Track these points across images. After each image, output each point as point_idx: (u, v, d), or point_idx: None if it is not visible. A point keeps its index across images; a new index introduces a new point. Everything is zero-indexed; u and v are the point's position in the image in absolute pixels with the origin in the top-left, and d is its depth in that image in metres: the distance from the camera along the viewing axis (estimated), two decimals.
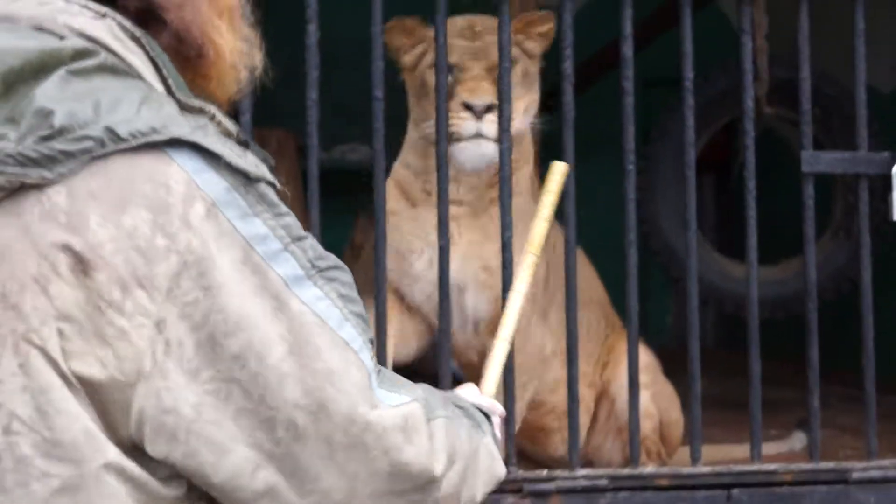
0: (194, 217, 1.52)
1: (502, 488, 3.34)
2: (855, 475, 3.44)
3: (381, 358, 3.20)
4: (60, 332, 1.49)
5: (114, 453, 1.52)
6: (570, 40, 3.45)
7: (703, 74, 5.93)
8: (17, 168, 1.49)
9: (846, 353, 5.77)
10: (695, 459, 3.46)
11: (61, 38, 1.61)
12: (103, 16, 1.66)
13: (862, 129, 3.57)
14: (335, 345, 1.60)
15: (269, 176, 1.63)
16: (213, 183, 1.55)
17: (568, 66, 3.46)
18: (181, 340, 1.51)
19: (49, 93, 1.52)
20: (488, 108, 3.47)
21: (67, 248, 1.49)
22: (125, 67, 1.62)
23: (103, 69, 1.58)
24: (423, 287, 3.69)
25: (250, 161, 1.61)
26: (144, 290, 1.49)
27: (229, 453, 1.55)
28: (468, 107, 3.48)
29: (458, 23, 3.66)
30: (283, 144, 6.87)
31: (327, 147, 7.52)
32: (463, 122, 3.48)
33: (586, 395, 4.06)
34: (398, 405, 1.66)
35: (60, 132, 1.50)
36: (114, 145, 1.51)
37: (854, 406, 5.38)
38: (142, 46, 1.68)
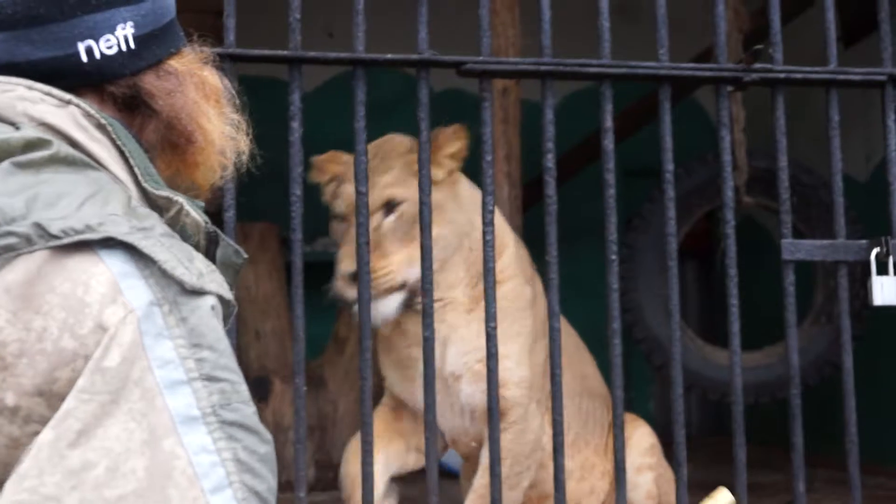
0: (109, 319, 1.40)
1: None
2: None
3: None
4: None
5: None
6: (551, 134, 3.52)
7: (683, 166, 6.04)
8: None
9: (830, 437, 5.82)
10: None
11: (17, 127, 1.56)
12: (67, 103, 1.61)
13: (840, 218, 3.64)
14: None
15: (215, 289, 1.50)
16: (137, 292, 1.43)
17: (549, 160, 3.52)
18: (34, 441, 1.37)
19: None
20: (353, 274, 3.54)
21: None
22: (82, 158, 1.55)
23: (54, 160, 1.51)
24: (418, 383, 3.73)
25: (195, 269, 1.49)
26: (43, 397, 1.38)
27: None
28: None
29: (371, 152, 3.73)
30: (267, 237, 6.93)
31: (310, 240, 7.58)
32: (346, 289, 3.60)
33: (598, 486, 4.10)
34: None
35: None
36: (44, 242, 1.42)
37: (838, 488, 5.43)
38: (107, 134, 1.62)
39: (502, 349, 3.68)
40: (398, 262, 3.68)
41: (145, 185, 1.60)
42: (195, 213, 1.60)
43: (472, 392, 3.74)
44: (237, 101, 1.82)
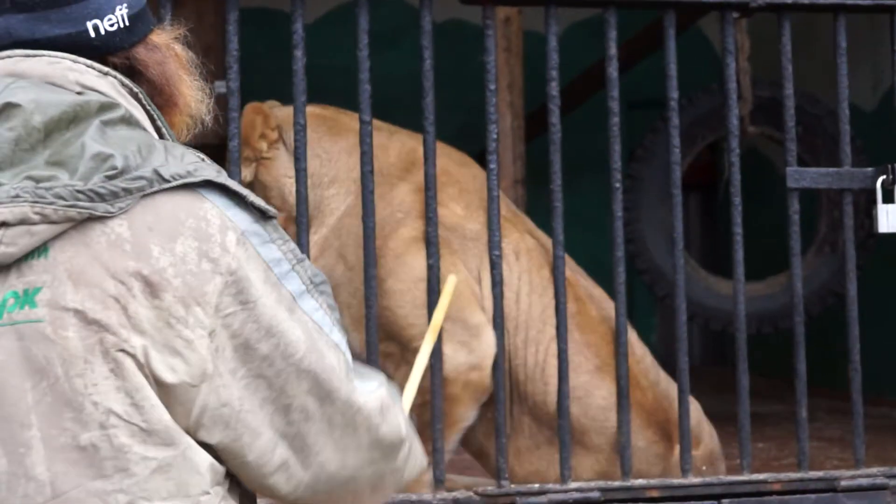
0: (229, 244, 1.77)
1: (495, 502, 3.39)
2: (843, 483, 3.49)
3: None
4: (143, 344, 1.72)
5: (188, 437, 1.77)
6: (555, 62, 3.52)
7: (687, 96, 6.02)
8: (87, 202, 1.72)
9: (830, 368, 5.84)
10: (685, 471, 3.50)
11: (78, 93, 1.85)
12: (106, 74, 1.90)
13: (846, 146, 3.63)
14: (330, 346, 1.87)
15: (276, 212, 1.89)
16: (241, 217, 1.80)
17: (553, 88, 3.52)
18: (224, 346, 1.77)
19: (97, 140, 1.76)
20: None
21: (138, 274, 1.73)
22: (137, 120, 1.87)
23: (124, 121, 1.83)
24: None
25: (261, 200, 1.86)
26: (200, 306, 1.75)
27: (260, 436, 1.81)
28: None
29: None
30: None
31: None
32: None
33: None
34: (372, 391, 1.94)
35: (122, 172, 1.74)
36: (158, 185, 1.75)
37: (838, 419, 5.47)
38: (139, 101, 1.93)
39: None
40: None
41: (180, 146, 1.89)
42: (215, 166, 1.91)
43: None
44: (202, 71, 2.11)
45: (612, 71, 3.54)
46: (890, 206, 3.56)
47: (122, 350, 1.71)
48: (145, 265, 1.73)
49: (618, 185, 3.52)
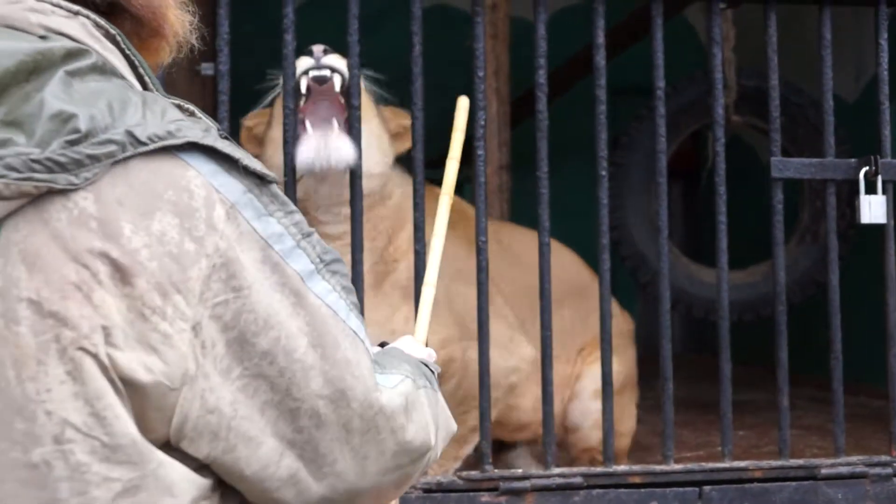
0: (217, 220, 1.53)
1: (478, 486, 3.42)
2: (823, 471, 3.52)
3: None
4: (107, 339, 1.48)
5: (160, 451, 1.53)
6: (543, 50, 3.53)
7: (672, 84, 6.04)
8: (45, 174, 1.47)
9: (810, 357, 5.89)
10: (667, 458, 3.53)
11: (41, 37, 1.58)
12: (76, 14, 1.64)
13: (829, 137, 3.66)
14: (346, 335, 1.65)
15: (275, 176, 1.65)
16: (230, 186, 1.56)
17: (541, 76, 3.53)
18: (214, 341, 1.54)
19: (59, 95, 1.50)
20: None
21: (105, 257, 1.48)
22: (111, 67, 1.61)
23: (95, 69, 1.57)
24: None
25: (256, 162, 1.62)
26: (181, 294, 1.50)
27: (261, 445, 1.59)
28: None
29: None
30: None
31: None
32: None
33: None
34: (396, 386, 1.73)
35: (86, 136, 1.49)
36: (133, 149, 1.50)
37: (818, 407, 5.51)
38: (116, 44, 1.67)
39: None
40: None
41: (164, 96, 1.65)
42: (206, 119, 1.67)
43: None
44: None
45: (600, 59, 3.56)
46: (872, 196, 3.59)
47: (82, 348, 1.46)
48: (114, 246, 1.47)
49: (604, 172, 3.54)
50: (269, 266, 1.57)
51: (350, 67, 3.42)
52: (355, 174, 3.41)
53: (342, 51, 3.46)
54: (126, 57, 1.68)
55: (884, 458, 3.61)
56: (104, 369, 1.47)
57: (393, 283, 3.82)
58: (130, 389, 1.49)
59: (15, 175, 1.45)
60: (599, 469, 3.52)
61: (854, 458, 3.59)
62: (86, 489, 1.47)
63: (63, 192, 1.48)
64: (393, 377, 1.75)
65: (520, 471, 3.51)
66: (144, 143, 1.50)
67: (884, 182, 3.60)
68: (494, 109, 5.69)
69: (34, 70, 1.51)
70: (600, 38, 3.56)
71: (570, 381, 4.28)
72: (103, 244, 1.47)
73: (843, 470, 3.54)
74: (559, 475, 3.45)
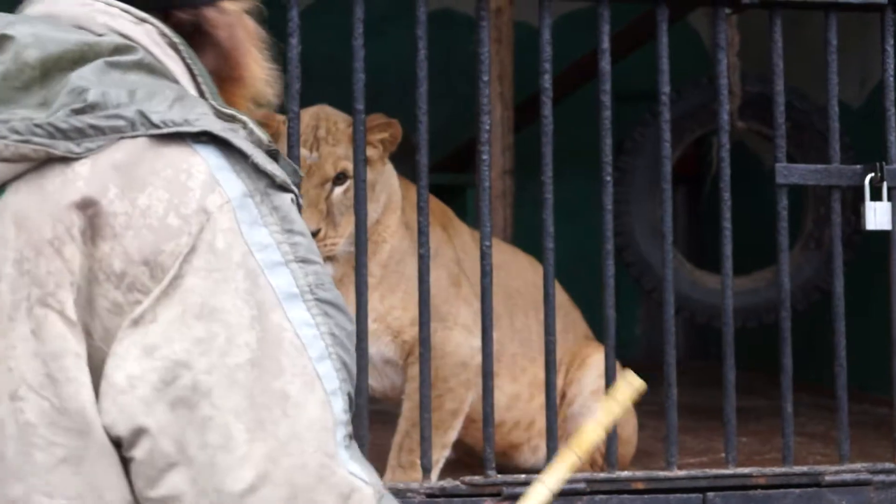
0: (210, 205, 1.51)
1: (481, 492, 3.41)
2: (827, 478, 3.51)
3: None
4: (77, 295, 1.48)
5: None
6: (548, 55, 3.53)
7: (676, 90, 6.02)
8: (45, 139, 1.50)
9: (813, 363, 5.87)
10: (670, 464, 3.52)
11: (100, 35, 1.64)
12: (143, 21, 1.69)
13: (834, 143, 3.65)
14: (304, 374, 1.51)
15: (293, 188, 1.61)
16: (232, 184, 1.53)
17: (546, 80, 3.52)
18: (154, 309, 1.47)
19: (85, 76, 1.54)
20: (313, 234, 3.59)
21: (82, 213, 1.49)
22: (162, 69, 1.65)
23: (140, 66, 1.60)
24: None
25: (277, 168, 1.59)
26: (147, 266, 1.48)
27: (156, 441, 1.47)
28: None
29: (305, 121, 3.67)
30: None
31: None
32: None
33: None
34: (354, 475, 1.54)
35: (93, 107, 1.52)
36: (144, 129, 1.51)
37: (821, 414, 5.48)
38: (178, 53, 1.71)
39: (388, 303, 3.81)
40: (345, 234, 3.70)
41: (212, 102, 1.67)
42: (258, 131, 1.66)
43: (377, 348, 3.81)
44: (272, 52, 1.92)
45: (605, 65, 3.55)
46: (878, 203, 3.59)
47: (46, 305, 1.47)
48: (94, 204, 1.49)
49: (608, 178, 3.53)
50: (244, 271, 1.50)
51: (355, 71, 3.41)
52: (359, 178, 3.41)
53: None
54: (186, 65, 1.72)
55: (888, 465, 3.61)
56: (71, 325, 1.47)
57: (377, 263, 3.84)
58: (83, 349, 1.48)
59: (15, 137, 1.50)
60: (603, 475, 3.51)
61: (858, 466, 3.58)
62: (30, 451, 1.47)
63: (64, 161, 1.50)
64: (360, 469, 1.55)
65: (523, 476, 3.50)
66: (157, 126, 1.52)
67: (889, 188, 3.59)
68: (498, 114, 5.67)
69: (79, 59, 1.57)
70: (605, 43, 3.56)
71: (562, 388, 4.24)
72: (83, 200, 1.49)
73: (847, 477, 3.53)
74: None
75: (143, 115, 1.52)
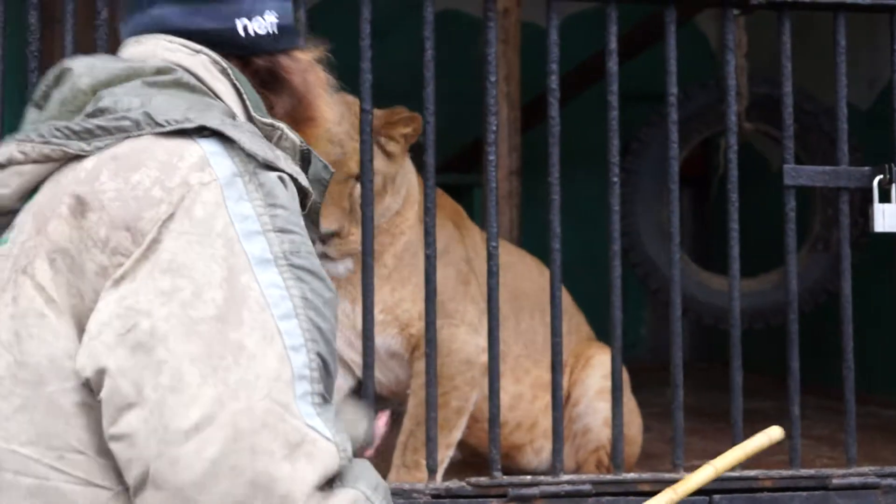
0: (194, 180, 1.66)
1: (487, 493, 3.40)
2: (835, 482, 3.50)
3: None
4: (52, 263, 1.67)
5: (74, 381, 1.64)
6: (556, 56, 3.51)
7: (684, 91, 6.02)
8: (62, 139, 1.72)
9: (819, 366, 5.86)
10: (676, 465, 3.51)
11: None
12: (198, 52, 1.92)
13: (843, 144, 3.63)
14: (264, 328, 1.61)
15: (289, 170, 1.78)
16: (223, 165, 1.69)
17: (553, 81, 3.51)
18: (133, 269, 1.62)
19: (115, 91, 1.77)
20: (333, 233, 3.60)
21: (73, 194, 1.68)
22: (202, 87, 1.86)
23: (178, 84, 1.82)
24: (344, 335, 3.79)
25: (273, 153, 1.76)
26: (129, 231, 1.64)
27: (115, 380, 1.59)
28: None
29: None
30: None
31: None
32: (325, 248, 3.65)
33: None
34: (313, 428, 1.61)
35: (102, 111, 1.74)
36: (149, 129, 1.71)
37: (828, 417, 5.47)
38: (227, 77, 1.92)
39: (398, 295, 3.80)
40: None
41: (254, 114, 1.89)
42: (293, 135, 1.91)
43: (383, 340, 3.79)
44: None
45: (612, 65, 3.54)
46: (886, 205, 3.57)
47: (25, 272, 1.69)
48: (86, 187, 1.69)
49: (615, 179, 3.51)
50: (223, 240, 1.64)
51: (362, 72, 3.41)
52: (366, 177, 3.40)
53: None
54: (234, 86, 1.93)
55: (895, 468, 3.59)
56: (40, 290, 1.66)
57: (392, 254, 3.83)
58: (73, 312, 1.65)
59: (39, 140, 1.74)
60: (609, 476, 3.50)
61: (865, 469, 3.57)
62: None
63: (78, 159, 1.72)
64: (324, 427, 1.62)
65: (528, 477, 3.49)
66: (161, 125, 1.71)
67: None
68: (505, 115, 5.67)
69: (125, 80, 1.81)
70: (613, 44, 3.54)
71: (567, 389, 4.24)
72: (78, 186, 1.69)
73: (855, 480, 3.51)
74: (568, 482, 3.43)
75: (149, 116, 1.71)
